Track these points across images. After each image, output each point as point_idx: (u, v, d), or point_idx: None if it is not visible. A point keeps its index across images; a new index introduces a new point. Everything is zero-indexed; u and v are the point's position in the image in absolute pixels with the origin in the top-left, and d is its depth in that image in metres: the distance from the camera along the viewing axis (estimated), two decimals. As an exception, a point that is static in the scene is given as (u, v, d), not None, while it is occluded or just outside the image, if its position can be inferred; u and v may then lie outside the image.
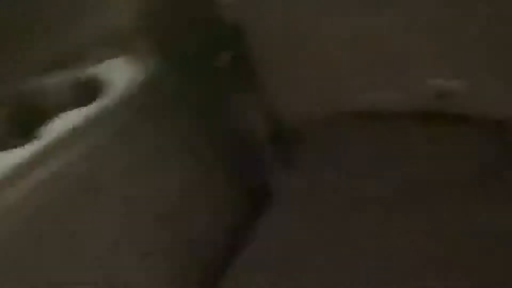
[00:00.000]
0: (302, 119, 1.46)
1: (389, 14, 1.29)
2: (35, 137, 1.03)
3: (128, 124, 1.10)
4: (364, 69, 1.37)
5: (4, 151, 1.00)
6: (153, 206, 1.14)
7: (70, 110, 1.07)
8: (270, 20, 1.39)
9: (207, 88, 1.35)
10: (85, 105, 1.08)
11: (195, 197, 1.23)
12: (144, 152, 1.13)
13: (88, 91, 1.13)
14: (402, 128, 1.35)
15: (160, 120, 1.17)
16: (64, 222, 0.99)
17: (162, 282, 1.15)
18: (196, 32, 1.35)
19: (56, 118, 1.04)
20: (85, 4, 1.20)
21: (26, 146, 1.00)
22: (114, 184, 1.07)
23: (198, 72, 1.33)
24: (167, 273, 1.16)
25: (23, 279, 0.94)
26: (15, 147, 1.03)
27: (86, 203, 1.02)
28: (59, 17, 1.17)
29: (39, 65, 1.15)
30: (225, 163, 1.34)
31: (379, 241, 1.11)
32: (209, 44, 1.38)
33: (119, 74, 1.14)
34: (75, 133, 1.02)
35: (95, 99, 1.09)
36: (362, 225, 1.15)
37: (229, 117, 1.41)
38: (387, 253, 1.08)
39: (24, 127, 1.09)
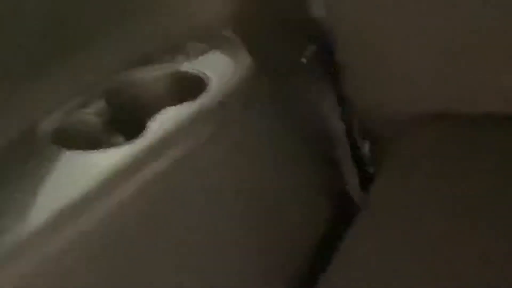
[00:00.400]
0: (386, 119, 1.40)
1: (479, 5, 1.23)
2: (135, 135, 0.99)
3: (229, 122, 1.06)
4: (454, 67, 1.30)
5: (103, 150, 0.97)
6: (249, 204, 1.11)
7: (169, 106, 1.03)
8: (356, 15, 1.33)
9: (292, 84, 1.32)
10: (183, 101, 1.04)
11: (289, 197, 1.20)
12: (242, 149, 1.09)
13: (185, 86, 1.09)
14: (497, 130, 1.29)
15: (256, 118, 1.13)
16: (167, 223, 0.96)
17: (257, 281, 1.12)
18: (283, 26, 1.31)
19: (156, 115, 1.00)
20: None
21: (128, 145, 0.96)
22: (216, 182, 1.03)
23: (284, 67, 1.30)
24: (261, 273, 1.13)
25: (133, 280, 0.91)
26: (114, 145, 1.00)
27: (191, 202, 0.99)
28: (152, 9, 1.13)
29: (133, 59, 1.11)
30: (315, 163, 1.30)
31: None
32: (295, 39, 1.34)
33: (216, 70, 1.10)
34: (179, 131, 0.98)
35: (193, 95, 1.05)
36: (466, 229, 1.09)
37: (315, 115, 1.37)
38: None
39: (121, 123, 1.06)
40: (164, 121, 0.98)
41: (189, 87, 1.07)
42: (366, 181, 1.50)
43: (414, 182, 1.20)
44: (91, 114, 1.03)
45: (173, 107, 1.01)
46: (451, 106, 1.31)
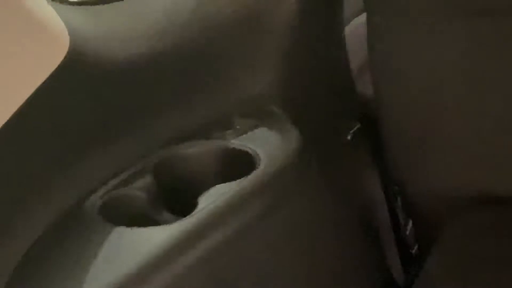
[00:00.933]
0: (432, 199, 1.36)
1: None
2: (182, 210, 0.96)
3: (278, 199, 1.03)
4: (507, 151, 1.26)
5: (153, 227, 0.94)
6: (295, 282, 1.08)
7: (217, 182, 1.00)
8: (403, 94, 1.31)
9: (338, 161, 1.29)
10: (231, 177, 1.02)
11: (333, 275, 1.16)
12: (290, 227, 1.06)
13: (233, 162, 1.07)
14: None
15: (304, 195, 1.10)
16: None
17: None
18: (330, 103, 1.29)
19: (206, 192, 0.98)
20: (224, 73, 1.15)
21: (179, 222, 0.93)
22: (267, 260, 1.00)
23: (330, 144, 1.28)
24: None
25: None
26: (160, 221, 0.98)
27: (241, 281, 0.96)
28: (201, 84, 1.12)
29: (180, 133, 1.09)
30: (357, 240, 1.27)
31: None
32: (341, 115, 1.33)
33: (265, 145, 1.07)
34: (230, 209, 0.96)
35: (241, 171, 1.02)
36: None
37: (359, 192, 1.35)
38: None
39: (168, 198, 1.03)
40: (215, 198, 0.95)
41: (237, 162, 1.05)
42: (408, 261, 1.46)
43: (460, 273, 1.16)
44: (138, 189, 1.01)
45: (223, 184, 0.98)
46: (502, 190, 1.27)
